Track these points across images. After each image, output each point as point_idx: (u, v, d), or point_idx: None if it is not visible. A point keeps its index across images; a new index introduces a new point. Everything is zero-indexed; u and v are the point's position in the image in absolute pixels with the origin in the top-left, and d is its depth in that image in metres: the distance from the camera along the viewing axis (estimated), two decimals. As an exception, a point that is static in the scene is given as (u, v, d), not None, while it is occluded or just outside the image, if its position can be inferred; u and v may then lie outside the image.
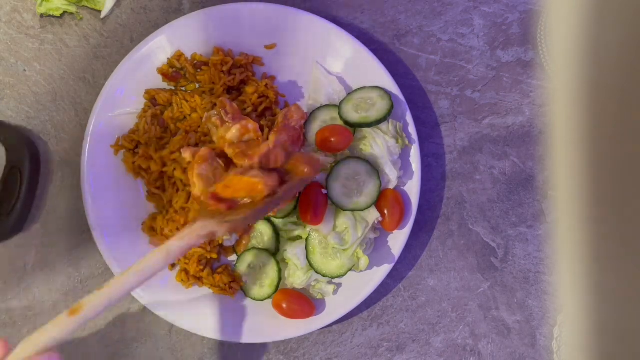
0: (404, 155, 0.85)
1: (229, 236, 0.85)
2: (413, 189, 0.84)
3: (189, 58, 0.87)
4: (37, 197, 0.90)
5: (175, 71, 0.87)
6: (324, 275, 0.82)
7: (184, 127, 0.85)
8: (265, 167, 0.72)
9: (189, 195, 0.84)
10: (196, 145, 0.84)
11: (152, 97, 0.87)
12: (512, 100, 0.90)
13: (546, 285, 0.88)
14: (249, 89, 0.86)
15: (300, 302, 0.83)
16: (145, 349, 0.89)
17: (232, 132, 0.81)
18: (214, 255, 0.85)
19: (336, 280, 0.85)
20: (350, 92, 0.86)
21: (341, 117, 0.84)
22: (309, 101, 0.88)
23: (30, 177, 0.87)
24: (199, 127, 0.85)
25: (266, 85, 0.86)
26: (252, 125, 0.76)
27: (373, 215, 0.82)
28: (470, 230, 0.89)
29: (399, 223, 0.83)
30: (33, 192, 0.89)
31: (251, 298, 0.84)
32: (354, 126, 0.83)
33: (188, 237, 0.65)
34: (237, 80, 0.86)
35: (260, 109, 0.86)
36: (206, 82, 0.86)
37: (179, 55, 0.87)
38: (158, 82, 0.88)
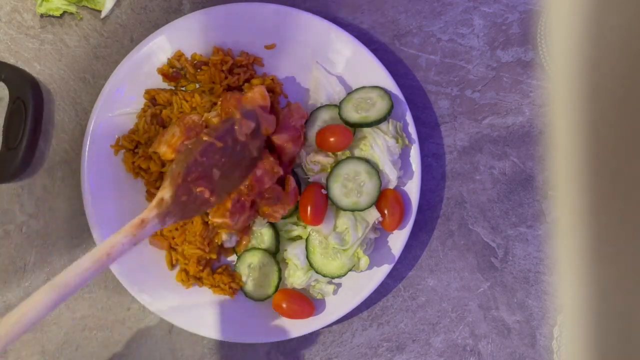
0: (404, 155, 0.85)
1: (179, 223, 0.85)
2: (413, 189, 0.84)
3: (189, 58, 0.87)
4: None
5: (175, 71, 0.87)
6: (324, 276, 0.82)
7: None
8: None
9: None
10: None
11: (152, 97, 0.87)
12: (512, 100, 0.90)
13: (546, 285, 0.88)
14: (255, 82, 0.86)
15: (301, 302, 0.83)
16: (145, 349, 0.89)
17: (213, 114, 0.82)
18: (214, 256, 0.85)
19: (336, 280, 0.85)
20: (350, 92, 0.86)
21: (341, 117, 0.84)
22: (309, 101, 0.88)
23: (34, 108, 0.87)
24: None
25: (272, 80, 0.87)
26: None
27: (373, 215, 0.82)
28: (470, 230, 0.89)
29: (399, 223, 0.83)
30: (39, 124, 0.89)
31: (251, 298, 0.84)
32: (354, 126, 0.83)
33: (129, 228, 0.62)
34: (242, 80, 0.86)
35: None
36: (206, 82, 0.86)
37: (179, 55, 0.87)
38: (158, 82, 0.88)
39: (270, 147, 0.83)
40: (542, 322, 0.87)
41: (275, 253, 0.85)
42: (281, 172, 0.81)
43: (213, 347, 0.88)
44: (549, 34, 0.86)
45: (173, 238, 0.85)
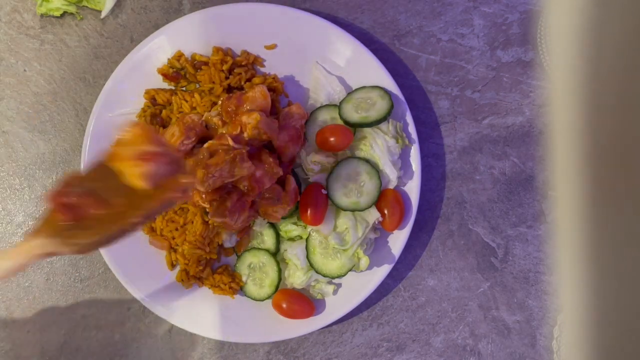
0: (404, 155, 0.85)
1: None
2: (413, 189, 0.84)
3: (189, 58, 0.87)
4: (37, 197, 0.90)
5: (176, 71, 0.87)
6: (324, 276, 0.82)
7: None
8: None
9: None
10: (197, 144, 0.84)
11: (151, 97, 0.87)
12: (512, 100, 0.90)
13: (546, 285, 0.88)
14: (257, 80, 0.86)
15: (301, 302, 0.83)
16: (145, 349, 0.89)
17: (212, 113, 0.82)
18: (214, 256, 0.85)
19: (336, 281, 0.85)
20: (350, 92, 0.86)
21: (341, 117, 0.84)
22: (308, 101, 0.88)
23: None
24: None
25: (274, 78, 0.87)
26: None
27: (373, 215, 0.82)
28: (470, 230, 0.89)
29: (399, 223, 0.83)
30: None
31: (251, 298, 0.84)
32: (354, 126, 0.83)
33: (17, 256, 0.56)
34: (244, 79, 0.86)
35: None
36: (206, 82, 0.86)
37: (179, 55, 0.87)
38: (158, 82, 0.88)
39: (270, 147, 0.83)
40: (542, 322, 0.87)
41: (275, 253, 0.85)
42: (281, 173, 0.81)
43: (213, 347, 0.88)
44: (549, 34, 0.86)
45: (173, 238, 0.85)
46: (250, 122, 0.79)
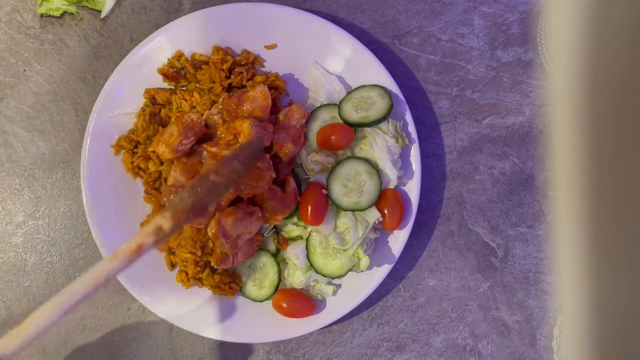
0: (404, 155, 0.85)
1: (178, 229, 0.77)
2: (413, 189, 0.84)
3: (189, 58, 0.87)
4: (38, 196, 0.90)
5: (176, 71, 0.87)
6: (324, 276, 0.82)
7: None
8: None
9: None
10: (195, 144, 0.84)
11: (151, 96, 0.87)
12: (512, 100, 0.90)
13: (546, 285, 0.88)
14: (259, 79, 0.86)
15: (301, 301, 0.83)
16: (145, 349, 0.89)
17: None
18: (208, 258, 0.85)
19: (336, 281, 0.85)
20: (350, 91, 0.86)
21: (341, 117, 0.84)
22: (308, 100, 0.88)
23: None
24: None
25: (275, 77, 0.87)
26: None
27: (373, 215, 0.82)
28: (470, 230, 0.89)
29: (399, 223, 0.83)
30: None
31: (250, 299, 0.84)
32: (354, 126, 0.83)
33: (126, 251, 0.63)
34: (246, 79, 0.86)
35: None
36: (206, 81, 0.86)
37: (179, 55, 0.87)
38: (158, 82, 0.88)
39: (268, 147, 0.83)
40: (542, 322, 0.87)
41: (275, 254, 0.85)
42: (274, 175, 0.80)
43: (213, 347, 0.88)
44: (549, 34, 0.86)
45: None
46: (243, 131, 0.79)
